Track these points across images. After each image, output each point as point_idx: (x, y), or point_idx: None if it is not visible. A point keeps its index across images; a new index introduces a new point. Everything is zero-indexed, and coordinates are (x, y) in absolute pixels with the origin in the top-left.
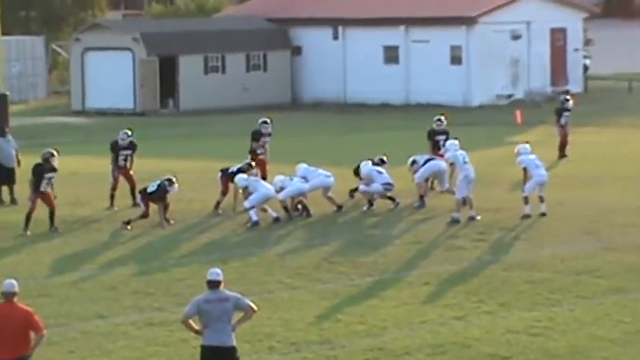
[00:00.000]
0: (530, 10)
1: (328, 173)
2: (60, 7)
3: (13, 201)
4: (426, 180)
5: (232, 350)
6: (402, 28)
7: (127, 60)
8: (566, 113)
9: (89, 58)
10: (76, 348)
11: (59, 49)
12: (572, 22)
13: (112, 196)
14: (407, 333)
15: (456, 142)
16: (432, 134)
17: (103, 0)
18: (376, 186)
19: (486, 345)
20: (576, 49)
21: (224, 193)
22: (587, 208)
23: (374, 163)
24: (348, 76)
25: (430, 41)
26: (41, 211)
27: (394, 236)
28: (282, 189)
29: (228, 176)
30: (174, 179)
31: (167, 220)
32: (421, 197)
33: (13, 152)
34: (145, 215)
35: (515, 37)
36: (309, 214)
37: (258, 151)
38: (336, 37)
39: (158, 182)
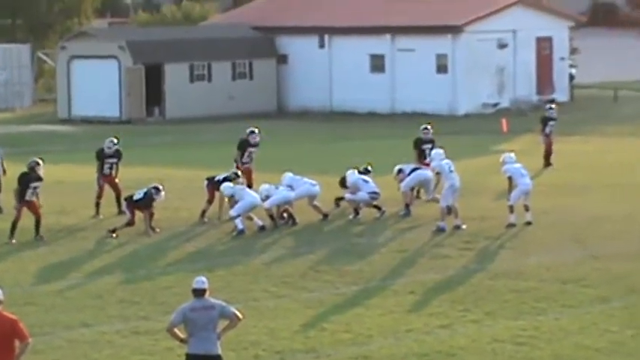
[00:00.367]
0: (516, 19)
1: (314, 182)
2: (46, 15)
3: None
4: (412, 189)
5: (217, 358)
6: (388, 36)
7: (113, 68)
8: (551, 122)
9: (75, 66)
10: (62, 356)
11: (45, 57)
12: (558, 30)
13: (98, 205)
14: (392, 342)
15: (442, 151)
16: (418, 143)
17: (89, 8)
18: (362, 194)
19: (472, 354)
20: (562, 58)
21: (210, 201)
22: (573, 217)
23: (359, 172)
24: (334, 84)
25: (416, 50)
26: (27, 219)
27: (380, 245)
28: (267, 197)
29: (214, 184)
30: (160, 187)
31: (152, 229)
32: (407, 206)
33: None
34: (130, 223)
35: (501, 45)
36: (294, 223)
37: (244, 160)
38: (322, 46)
39: (145, 190)
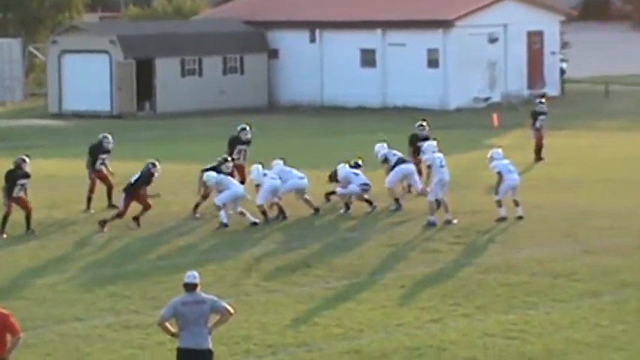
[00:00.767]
0: (507, 13)
1: (301, 175)
2: (37, 9)
3: None
4: (401, 181)
5: (208, 353)
6: (379, 31)
7: (104, 62)
8: (541, 117)
9: (66, 61)
10: (53, 350)
11: (36, 52)
12: (549, 25)
13: (90, 199)
14: (383, 336)
15: (435, 143)
16: (413, 139)
17: (80, 2)
18: (353, 187)
19: (462, 348)
20: (553, 52)
21: (205, 196)
22: (564, 211)
23: (350, 167)
24: (325, 79)
25: (407, 44)
26: (18, 213)
27: (371, 239)
28: (257, 178)
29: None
30: (156, 162)
31: (138, 222)
32: (396, 200)
33: None
34: (120, 215)
35: (492, 40)
36: (284, 217)
37: (234, 157)
38: (313, 40)
39: (140, 171)
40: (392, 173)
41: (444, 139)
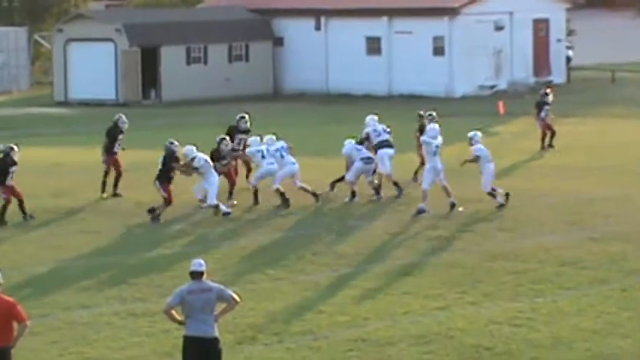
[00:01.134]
0: (513, 1)
1: (293, 160)
2: None
3: None
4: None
5: (215, 341)
6: (384, 19)
7: (110, 51)
8: (546, 107)
9: (72, 49)
10: (60, 338)
11: (42, 40)
12: (555, 12)
13: (104, 184)
14: (389, 324)
15: (437, 127)
16: (423, 130)
17: None
18: (357, 164)
19: (469, 335)
20: (559, 40)
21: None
22: (571, 199)
23: (357, 143)
24: (331, 67)
25: (413, 32)
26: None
27: (377, 227)
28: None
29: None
30: (174, 140)
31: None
32: (395, 184)
33: None
34: (168, 202)
35: (498, 27)
36: (287, 205)
37: (235, 147)
38: (318, 28)
39: (161, 158)
40: (379, 161)
41: (449, 127)
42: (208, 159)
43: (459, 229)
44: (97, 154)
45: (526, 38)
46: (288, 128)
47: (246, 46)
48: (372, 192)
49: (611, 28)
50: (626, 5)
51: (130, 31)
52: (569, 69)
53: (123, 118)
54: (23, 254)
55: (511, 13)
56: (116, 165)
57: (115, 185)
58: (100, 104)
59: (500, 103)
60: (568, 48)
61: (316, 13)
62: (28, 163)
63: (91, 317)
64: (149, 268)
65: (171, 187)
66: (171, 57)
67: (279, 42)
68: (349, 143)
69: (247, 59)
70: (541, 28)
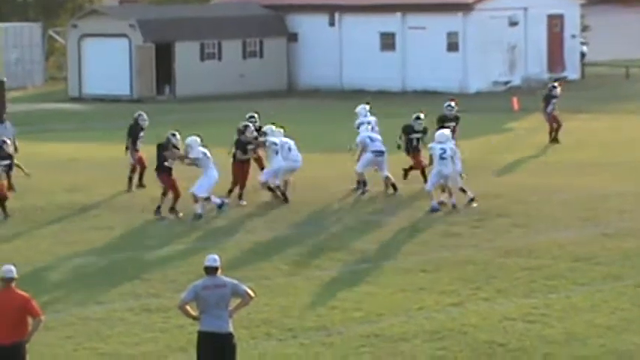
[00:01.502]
0: None
1: (298, 158)
2: None
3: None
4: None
5: (229, 336)
6: (398, 14)
7: (124, 46)
8: (553, 100)
9: (86, 45)
10: (74, 333)
11: (56, 36)
12: (570, 8)
13: (131, 179)
14: (403, 319)
15: (447, 132)
16: (441, 120)
17: None
18: (368, 155)
19: (483, 332)
20: (573, 36)
21: (240, 182)
22: (585, 194)
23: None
24: (345, 63)
25: (427, 28)
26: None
27: (391, 222)
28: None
29: (238, 163)
30: (175, 132)
31: (176, 212)
32: (393, 185)
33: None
34: (177, 195)
35: (512, 23)
36: (286, 201)
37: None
38: (332, 24)
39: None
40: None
41: (463, 123)
42: (208, 152)
43: (473, 224)
44: (111, 150)
45: (540, 34)
46: (302, 124)
47: (261, 42)
48: (390, 188)
49: (626, 24)
50: None
51: (144, 27)
52: (583, 65)
53: (143, 116)
54: (37, 250)
55: (525, 9)
56: (140, 161)
57: (140, 178)
58: (114, 100)
59: (515, 99)
60: (582, 44)
61: (330, 9)
62: (42, 158)
63: (105, 313)
64: (163, 264)
65: (174, 177)
66: (185, 53)
67: (293, 38)
68: (365, 130)
69: (261, 55)
70: (555, 23)
